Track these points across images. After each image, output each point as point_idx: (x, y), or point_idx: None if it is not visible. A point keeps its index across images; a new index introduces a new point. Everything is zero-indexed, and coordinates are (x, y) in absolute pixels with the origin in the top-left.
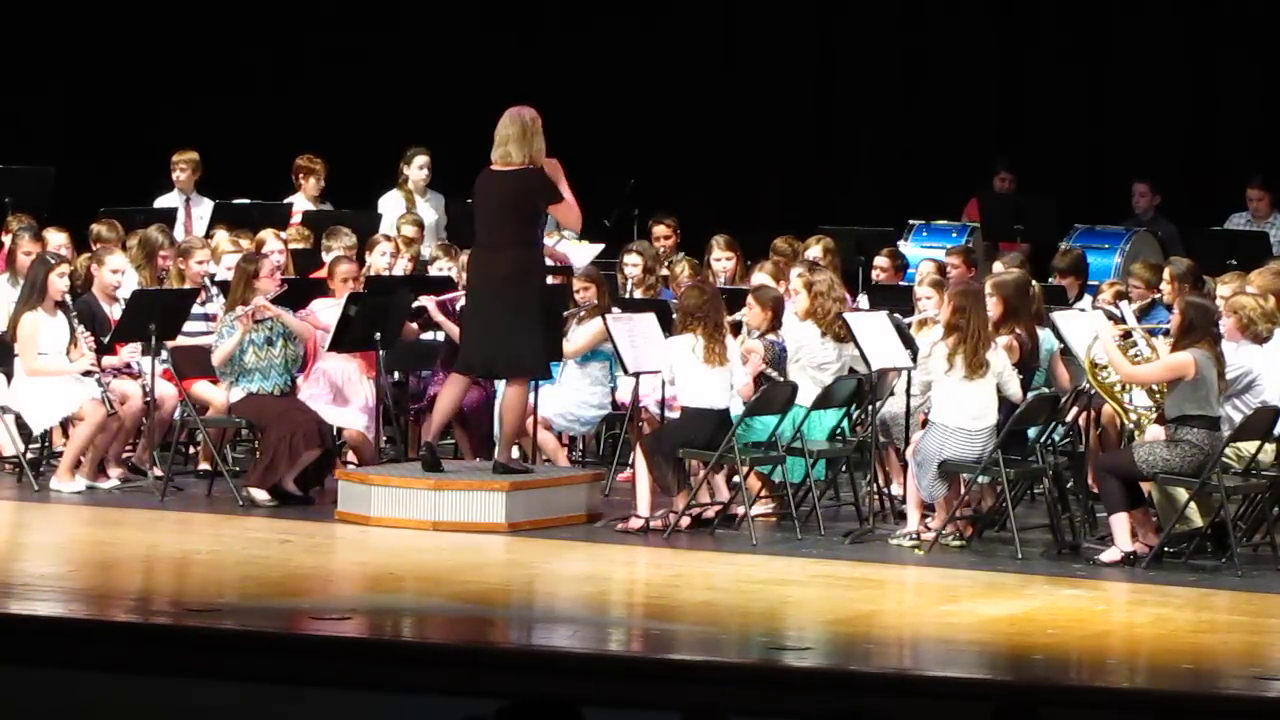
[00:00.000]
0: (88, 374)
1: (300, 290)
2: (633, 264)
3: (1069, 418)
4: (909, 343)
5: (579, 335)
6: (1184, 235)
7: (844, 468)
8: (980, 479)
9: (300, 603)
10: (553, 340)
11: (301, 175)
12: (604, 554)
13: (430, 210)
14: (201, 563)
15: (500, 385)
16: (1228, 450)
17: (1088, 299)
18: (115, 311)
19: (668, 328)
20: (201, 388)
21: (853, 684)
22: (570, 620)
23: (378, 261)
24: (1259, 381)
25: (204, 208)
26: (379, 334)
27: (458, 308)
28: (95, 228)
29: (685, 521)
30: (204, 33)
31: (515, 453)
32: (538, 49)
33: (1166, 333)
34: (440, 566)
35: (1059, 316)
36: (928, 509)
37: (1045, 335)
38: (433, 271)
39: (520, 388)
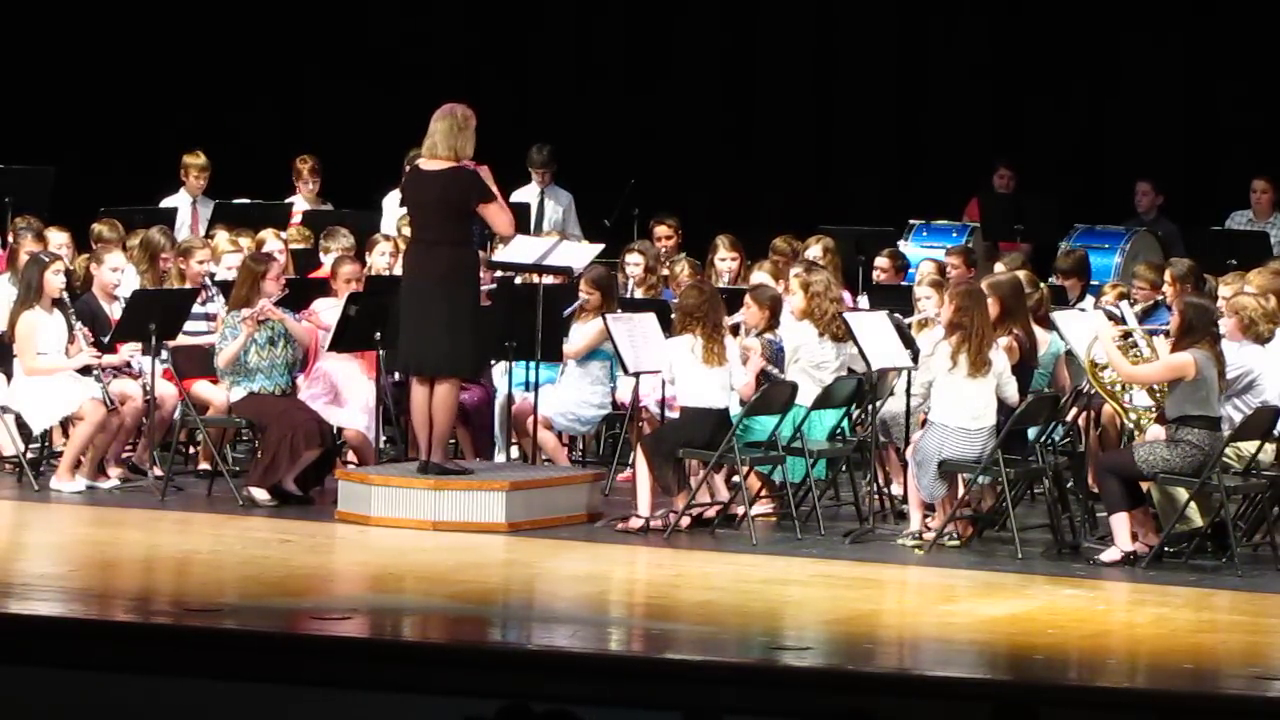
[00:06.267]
0: (87, 370)
1: (301, 290)
2: (634, 264)
3: (1069, 418)
4: (909, 343)
5: (579, 336)
6: (1185, 235)
7: (844, 468)
8: (980, 479)
9: (300, 603)
10: (552, 340)
11: (299, 176)
12: (604, 554)
13: None
14: (201, 563)
15: (500, 384)
16: (1228, 450)
17: (1090, 300)
18: (115, 310)
19: (668, 328)
20: (201, 388)
21: (853, 684)
22: (570, 620)
23: (378, 261)
24: (1260, 381)
25: (209, 209)
26: (379, 334)
27: None
28: (95, 228)
29: (685, 521)
30: (204, 32)
31: (515, 452)
32: (537, 50)
33: (1167, 333)
34: (440, 566)
35: (1059, 316)
36: (929, 508)
37: (1052, 338)
38: None
39: (451, 387)
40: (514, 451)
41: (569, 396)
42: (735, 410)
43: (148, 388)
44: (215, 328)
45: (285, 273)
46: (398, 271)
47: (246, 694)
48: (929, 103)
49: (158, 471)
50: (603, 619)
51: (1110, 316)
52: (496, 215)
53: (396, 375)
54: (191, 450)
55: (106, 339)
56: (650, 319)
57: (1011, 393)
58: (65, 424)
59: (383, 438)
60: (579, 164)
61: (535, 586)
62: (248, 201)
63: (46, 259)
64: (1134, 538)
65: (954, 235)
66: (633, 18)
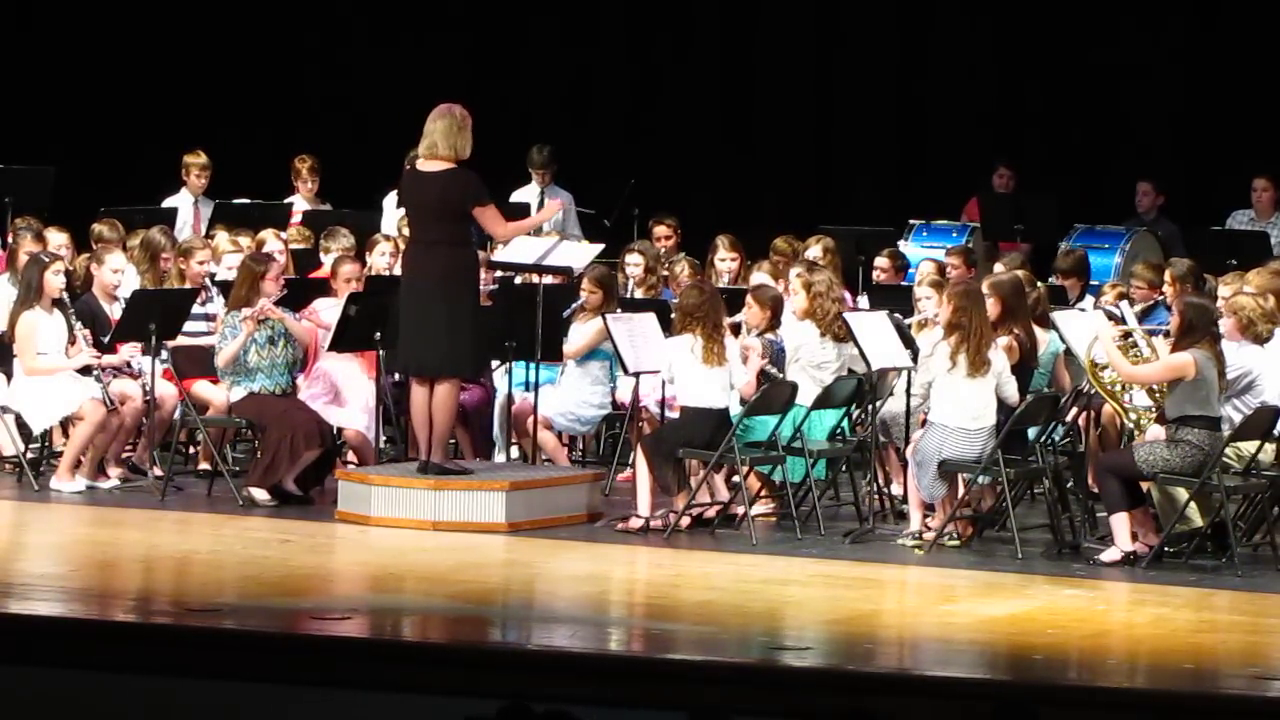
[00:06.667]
0: (87, 369)
1: (301, 290)
2: (634, 264)
3: (1069, 418)
4: (909, 343)
5: (578, 335)
6: (1185, 235)
7: (844, 468)
8: (980, 479)
9: (300, 603)
10: (552, 340)
11: (298, 176)
12: (604, 554)
13: None
14: (201, 563)
15: (500, 384)
16: (1228, 450)
17: (1089, 299)
18: (115, 311)
19: (668, 327)
20: (201, 388)
21: (853, 684)
22: (570, 620)
23: (378, 261)
24: (1259, 381)
25: (210, 209)
26: (379, 334)
27: None
28: (96, 227)
29: (685, 521)
30: (204, 32)
31: (515, 452)
32: (538, 50)
33: (1167, 333)
34: (440, 566)
35: (1059, 316)
36: (929, 508)
37: (1051, 338)
38: None
39: (451, 388)
40: (514, 451)
41: (569, 396)
42: (735, 410)
43: (148, 388)
44: (215, 328)
45: (285, 273)
46: (398, 271)
47: (246, 694)
48: (929, 103)
49: (158, 471)
50: (603, 619)
51: (1110, 316)
52: (491, 220)
53: (396, 375)
54: (191, 450)
55: (106, 339)
56: (650, 319)
57: (1011, 393)
58: (65, 424)
59: (383, 438)
60: (579, 164)
61: (535, 586)
62: (248, 201)
63: (46, 259)
64: (1134, 538)
65: (954, 235)
66: (633, 18)
